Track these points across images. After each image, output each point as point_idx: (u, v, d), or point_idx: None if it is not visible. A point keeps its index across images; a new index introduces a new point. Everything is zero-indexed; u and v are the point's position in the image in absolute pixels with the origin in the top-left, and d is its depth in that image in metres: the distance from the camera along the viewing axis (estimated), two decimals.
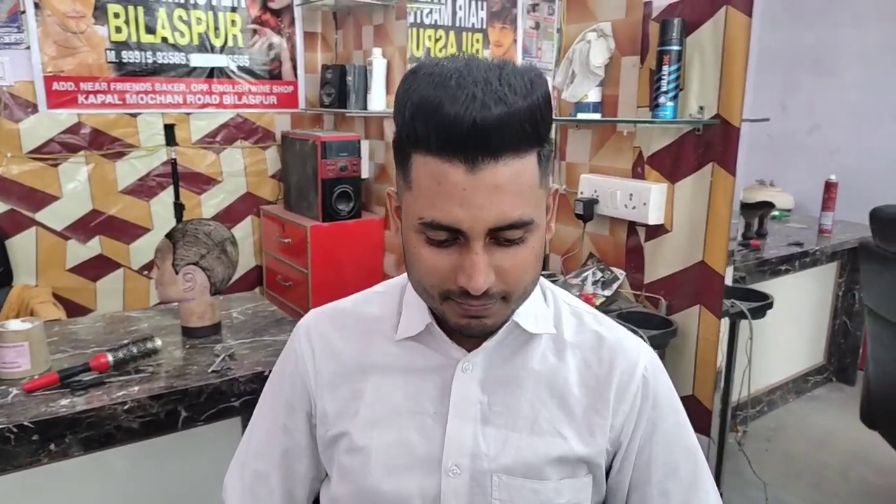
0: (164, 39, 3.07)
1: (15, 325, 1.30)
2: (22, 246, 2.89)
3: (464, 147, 0.64)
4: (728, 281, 1.98)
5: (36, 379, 1.26)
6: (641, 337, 1.27)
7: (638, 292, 2.03)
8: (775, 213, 3.04)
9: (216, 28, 3.20)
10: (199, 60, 3.18)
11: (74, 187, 2.98)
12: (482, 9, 2.66)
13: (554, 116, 0.67)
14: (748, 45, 1.66)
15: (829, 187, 2.91)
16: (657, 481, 0.82)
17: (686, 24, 1.78)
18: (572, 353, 0.83)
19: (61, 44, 2.84)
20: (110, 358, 1.31)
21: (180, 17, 3.09)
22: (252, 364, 1.41)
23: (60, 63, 2.86)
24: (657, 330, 1.80)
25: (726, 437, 2.18)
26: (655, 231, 1.97)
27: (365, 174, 3.23)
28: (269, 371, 1.38)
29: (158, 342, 1.39)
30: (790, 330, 2.93)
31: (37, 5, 2.75)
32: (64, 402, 1.21)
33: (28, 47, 2.77)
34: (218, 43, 3.22)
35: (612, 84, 2.05)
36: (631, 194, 1.96)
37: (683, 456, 0.84)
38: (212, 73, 3.23)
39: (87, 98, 2.94)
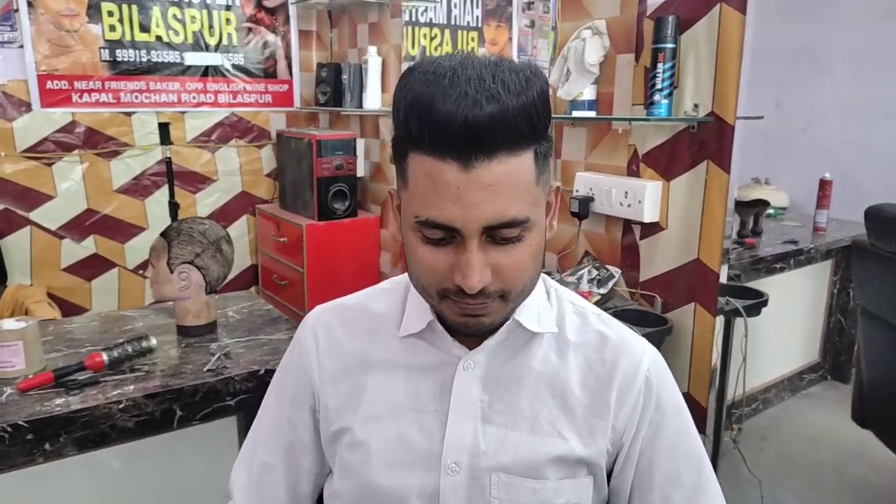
0: (159, 38, 3.06)
1: (9, 324, 1.30)
2: (16, 245, 2.89)
3: (456, 145, 0.64)
4: (723, 279, 1.98)
5: (30, 378, 1.25)
6: None
7: (633, 290, 2.03)
8: (770, 211, 3.05)
9: (211, 26, 3.19)
10: (194, 59, 3.18)
11: (69, 186, 2.97)
12: (477, 7, 2.66)
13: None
14: (742, 42, 1.66)
15: (824, 185, 2.92)
16: (659, 486, 0.81)
17: (680, 21, 1.78)
18: (574, 353, 0.82)
19: (55, 42, 2.83)
20: (105, 357, 1.31)
21: (174, 16, 3.09)
22: (247, 363, 1.41)
23: (54, 62, 2.85)
24: (652, 328, 1.80)
25: (721, 435, 2.18)
26: (651, 229, 1.97)
27: (360, 173, 3.23)
28: (265, 370, 1.39)
29: (153, 341, 1.38)
30: (785, 328, 2.94)
31: (30, 4, 2.74)
32: (59, 401, 1.21)
33: (21, 46, 2.76)
34: (212, 41, 3.21)
35: (607, 82, 2.05)
36: (626, 192, 1.96)
37: (687, 462, 0.83)
38: (206, 72, 3.22)
39: (81, 97, 2.93)
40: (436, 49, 2.77)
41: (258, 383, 1.37)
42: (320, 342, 0.88)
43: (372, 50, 3.03)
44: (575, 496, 0.79)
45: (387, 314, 0.87)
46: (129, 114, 3.06)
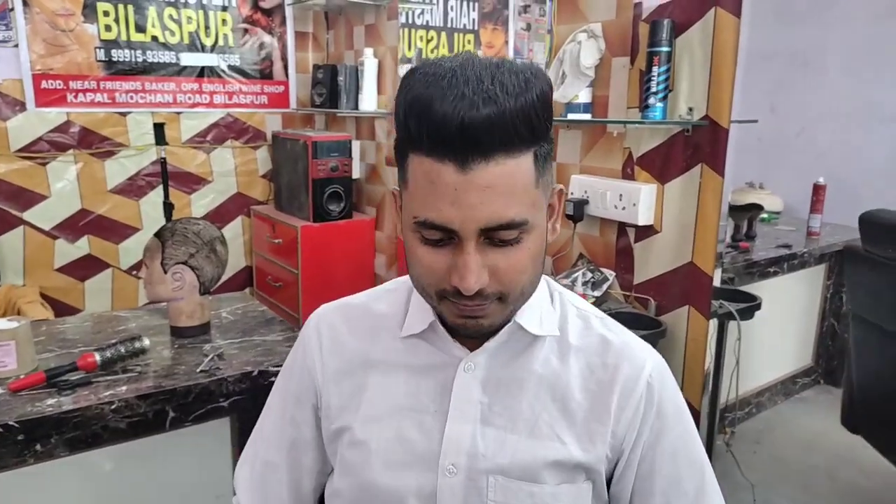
0: (155, 38, 3.06)
1: (1, 324, 1.30)
2: (9, 245, 2.87)
3: (453, 147, 0.64)
4: (717, 282, 1.99)
5: (22, 378, 1.25)
6: None
7: (627, 293, 2.03)
8: (764, 215, 3.06)
9: (207, 27, 3.19)
10: (190, 59, 3.17)
11: (63, 186, 2.96)
12: (474, 10, 2.66)
13: None
14: (737, 46, 1.67)
15: (818, 190, 2.93)
16: (660, 492, 0.80)
17: (675, 25, 1.79)
18: (576, 357, 0.82)
19: (50, 42, 2.82)
20: (98, 357, 1.30)
21: (170, 16, 3.08)
22: (241, 364, 1.41)
23: (49, 61, 2.84)
24: (646, 330, 1.80)
25: (714, 438, 2.19)
26: (645, 232, 1.97)
27: (356, 174, 3.22)
28: (258, 371, 1.39)
29: (146, 341, 1.38)
30: (778, 332, 2.95)
31: (25, 3, 2.73)
32: (50, 401, 1.20)
33: (16, 45, 2.75)
34: (208, 42, 3.21)
35: (602, 85, 2.06)
36: (621, 195, 1.97)
37: (688, 468, 0.82)
38: (202, 73, 3.22)
39: (76, 96, 2.92)
40: (432, 51, 2.77)
41: (251, 385, 1.37)
42: (324, 341, 0.88)
43: (368, 52, 3.03)
44: (573, 501, 0.79)
45: (389, 314, 0.87)
46: (124, 114, 3.05)
